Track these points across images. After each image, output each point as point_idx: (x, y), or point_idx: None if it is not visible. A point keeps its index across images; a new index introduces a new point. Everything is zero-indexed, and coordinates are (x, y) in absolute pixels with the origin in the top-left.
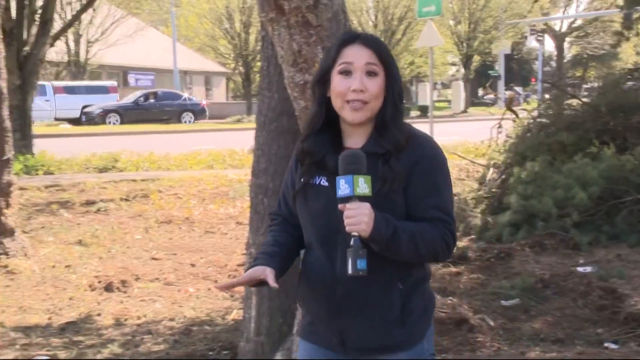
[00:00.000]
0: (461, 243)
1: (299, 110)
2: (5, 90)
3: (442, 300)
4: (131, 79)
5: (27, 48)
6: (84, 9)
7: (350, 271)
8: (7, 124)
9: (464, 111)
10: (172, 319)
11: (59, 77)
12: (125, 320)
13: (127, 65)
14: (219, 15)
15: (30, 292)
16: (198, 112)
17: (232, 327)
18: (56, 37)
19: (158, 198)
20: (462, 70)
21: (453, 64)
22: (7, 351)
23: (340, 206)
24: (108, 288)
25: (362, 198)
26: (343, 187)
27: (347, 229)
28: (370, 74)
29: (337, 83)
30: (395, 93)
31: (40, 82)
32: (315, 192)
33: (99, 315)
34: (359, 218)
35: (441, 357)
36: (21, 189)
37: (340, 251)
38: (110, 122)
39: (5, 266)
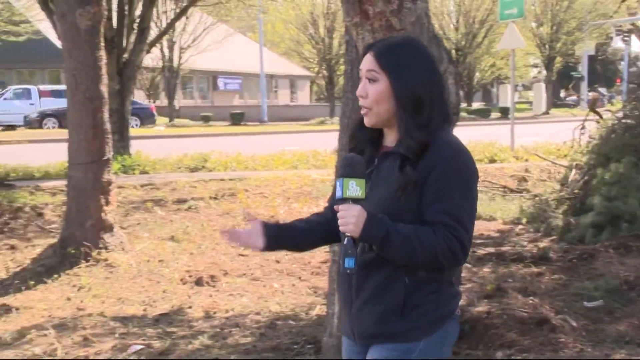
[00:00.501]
0: (542, 244)
1: None
2: (106, 95)
3: (522, 300)
4: (220, 82)
5: (125, 55)
6: (177, 17)
7: (341, 269)
8: (108, 126)
9: (546, 113)
10: (258, 313)
11: (153, 83)
12: (214, 313)
13: (216, 70)
14: (304, 21)
15: (128, 284)
16: (145, 117)
17: (316, 322)
18: (152, 44)
19: (245, 197)
20: (544, 72)
21: (535, 66)
22: (107, 339)
23: (335, 207)
24: (198, 282)
25: (355, 200)
26: (338, 189)
27: (340, 228)
28: (371, 80)
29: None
30: (404, 98)
31: (25, 86)
32: None
33: (190, 307)
34: (347, 219)
35: (522, 356)
36: (119, 187)
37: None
38: (47, 127)
39: (106, 259)
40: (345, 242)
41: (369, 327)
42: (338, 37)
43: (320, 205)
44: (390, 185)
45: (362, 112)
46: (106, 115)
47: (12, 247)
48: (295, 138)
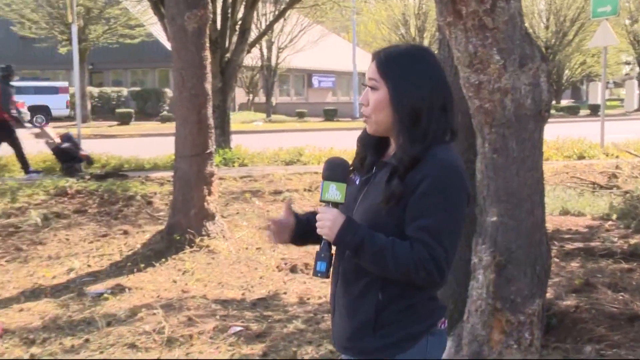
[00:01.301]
0: (633, 240)
1: (473, 110)
2: (210, 92)
3: (613, 296)
4: (315, 81)
5: (228, 55)
6: (276, 19)
7: (313, 272)
8: (211, 121)
9: (638, 110)
10: None
11: (252, 81)
12: (308, 299)
13: (311, 69)
14: (396, 21)
15: (228, 269)
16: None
17: None
18: (252, 44)
19: None
20: (637, 69)
21: (627, 63)
22: (209, 320)
23: (316, 209)
24: (293, 270)
25: (334, 204)
26: (320, 191)
27: (317, 231)
28: (372, 88)
29: None
30: (402, 109)
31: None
32: (350, 188)
33: (285, 293)
34: (323, 222)
35: (612, 351)
36: (220, 178)
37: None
38: None
39: (208, 246)
40: (321, 245)
41: (343, 340)
42: (428, 37)
43: None
44: (379, 195)
45: (363, 119)
46: (210, 111)
47: (125, 232)
48: None
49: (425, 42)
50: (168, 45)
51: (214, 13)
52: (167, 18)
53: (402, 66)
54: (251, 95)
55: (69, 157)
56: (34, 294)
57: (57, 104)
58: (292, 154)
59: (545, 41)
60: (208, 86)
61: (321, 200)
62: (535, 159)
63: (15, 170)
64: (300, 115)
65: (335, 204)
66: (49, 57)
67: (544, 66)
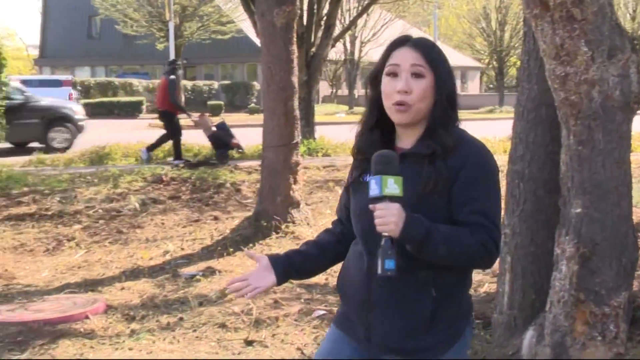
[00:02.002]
0: None
1: (558, 102)
2: (296, 85)
3: None
4: None
5: (313, 49)
6: (360, 14)
7: (379, 271)
8: (297, 113)
9: None
10: None
11: (336, 74)
12: None
13: None
14: (477, 15)
15: None
16: None
17: (484, 298)
18: (336, 39)
19: None
20: None
21: None
22: (294, 303)
23: (370, 206)
24: None
25: (393, 198)
26: (373, 187)
27: (377, 228)
28: (416, 75)
29: (385, 84)
30: (445, 96)
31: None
32: (364, 188)
33: None
34: (387, 218)
35: None
36: (305, 168)
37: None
38: None
39: (293, 232)
40: (383, 243)
41: (394, 341)
42: (509, 30)
43: None
44: (416, 185)
45: (401, 108)
46: (296, 104)
47: (216, 218)
48: (465, 126)
49: (506, 36)
50: (257, 41)
51: (301, 9)
52: (257, 14)
53: (440, 55)
54: (334, 88)
55: (222, 144)
56: (134, 273)
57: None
58: None
59: (631, 32)
60: (295, 79)
61: (376, 197)
62: (622, 151)
63: (117, 159)
64: None
65: (394, 198)
66: (148, 53)
67: (634, 57)
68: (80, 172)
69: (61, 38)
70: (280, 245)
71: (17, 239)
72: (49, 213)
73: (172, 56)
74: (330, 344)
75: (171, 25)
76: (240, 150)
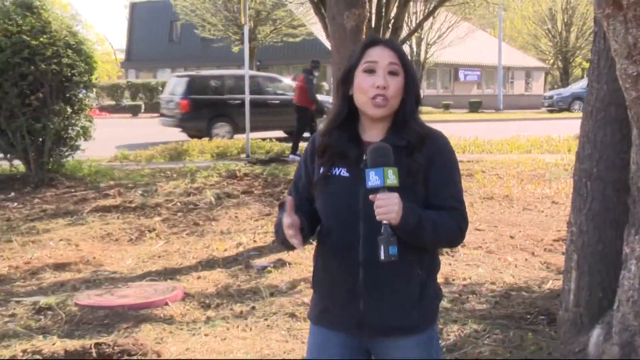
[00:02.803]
0: None
1: (630, 101)
2: None
3: None
4: (461, 74)
5: None
6: (426, 17)
7: (382, 257)
8: None
9: None
10: (493, 283)
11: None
12: (453, 280)
13: (457, 63)
14: (542, 16)
15: None
16: None
17: (548, 295)
18: (403, 41)
19: (481, 177)
20: None
21: None
22: None
23: (371, 197)
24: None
25: (391, 188)
26: (373, 178)
27: (378, 217)
28: (392, 73)
29: (362, 80)
30: (414, 93)
31: None
32: (336, 181)
33: None
34: (389, 207)
35: None
36: None
37: (363, 237)
38: None
39: None
40: (383, 231)
41: (387, 321)
42: (575, 31)
43: (553, 187)
44: (400, 174)
45: (380, 102)
46: None
47: None
48: (529, 125)
49: (572, 36)
50: (327, 43)
51: (370, 12)
52: (327, 17)
53: (408, 57)
54: None
55: None
56: (209, 264)
57: None
58: None
59: None
60: None
61: (378, 187)
62: None
63: (194, 155)
64: (446, 106)
65: (392, 188)
66: (224, 56)
67: None
68: (160, 168)
69: (145, 42)
70: None
71: (104, 229)
72: (132, 205)
73: (246, 58)
74: (317, 346)
75: (246, 29)
76: None
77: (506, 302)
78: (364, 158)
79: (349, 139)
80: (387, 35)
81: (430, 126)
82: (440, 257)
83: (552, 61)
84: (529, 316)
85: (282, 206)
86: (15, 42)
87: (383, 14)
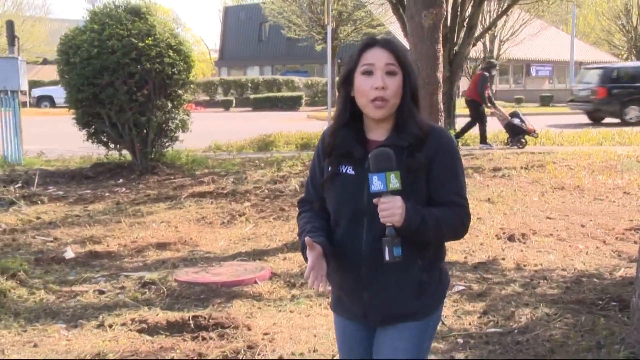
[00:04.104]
0: None
1: None
2: (441, 80)
3: None
4: (532, 70)
5: (455, 48)
6: (500, 15)
7: (387, 258)
8: (441, 106)
9: None
10: (564, 269)
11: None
12: (524, 265)
13: (529, 59)
14: (617, 12)
15: None
16: None
17: (620, 282)
18: (477, 38)
19: (552, 168)
20: None
21: None
22: None
23: (374, 200)
24: (510, 238)
25: (393, 192)
26: (376, 183)
27: (382, 220)
28: (390, 73)
29: (361, 83)
30: (412, 91)
31: None
32: (343, 179)
33: (503, 259)
34: (392, 211)
35: None
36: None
37: (366, 231)
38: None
39: None
40: (387, 233)
41: (390, 309)
42: None
43: (625, 178)
44: (401, 174)
45: (380, 104)
46: (440, 97)
47: None
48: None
49: None
50: (404, 41)
51: (446, 11)
52: (406, 17)
53: (406, 55)
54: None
55: (517, 131)
56: (294, 246)
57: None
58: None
59: None
60: (439, 75)
61: (382, 192)
62: None
63: (280, 146)
64: (518, 100)
65: (394, 192)
66: (307, 54)
67: None
68: (249, 157)
69: (237, 42)
70: None
71: (199, 213)
72: (225, 192)
73: (329, 56)
74: (341, 333)
75: (329, 29)
76: (534, 135)
77: (577, 288)
78: (368, 158)
79: (354, 139)
80: (462, 33)
81: (433, 123)
82: (511, 244)
83: (625, 56)
84: (600, 302)
85: (304, 248)
86: (125, 44)
87: (458, 12)
